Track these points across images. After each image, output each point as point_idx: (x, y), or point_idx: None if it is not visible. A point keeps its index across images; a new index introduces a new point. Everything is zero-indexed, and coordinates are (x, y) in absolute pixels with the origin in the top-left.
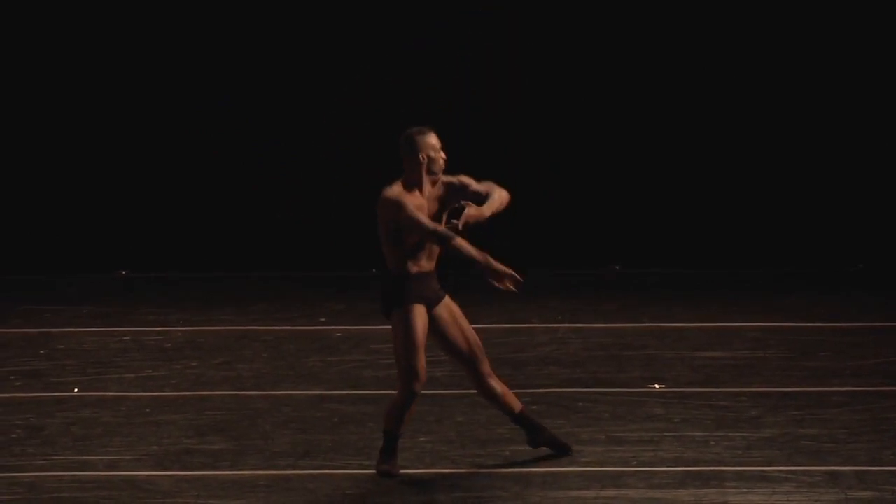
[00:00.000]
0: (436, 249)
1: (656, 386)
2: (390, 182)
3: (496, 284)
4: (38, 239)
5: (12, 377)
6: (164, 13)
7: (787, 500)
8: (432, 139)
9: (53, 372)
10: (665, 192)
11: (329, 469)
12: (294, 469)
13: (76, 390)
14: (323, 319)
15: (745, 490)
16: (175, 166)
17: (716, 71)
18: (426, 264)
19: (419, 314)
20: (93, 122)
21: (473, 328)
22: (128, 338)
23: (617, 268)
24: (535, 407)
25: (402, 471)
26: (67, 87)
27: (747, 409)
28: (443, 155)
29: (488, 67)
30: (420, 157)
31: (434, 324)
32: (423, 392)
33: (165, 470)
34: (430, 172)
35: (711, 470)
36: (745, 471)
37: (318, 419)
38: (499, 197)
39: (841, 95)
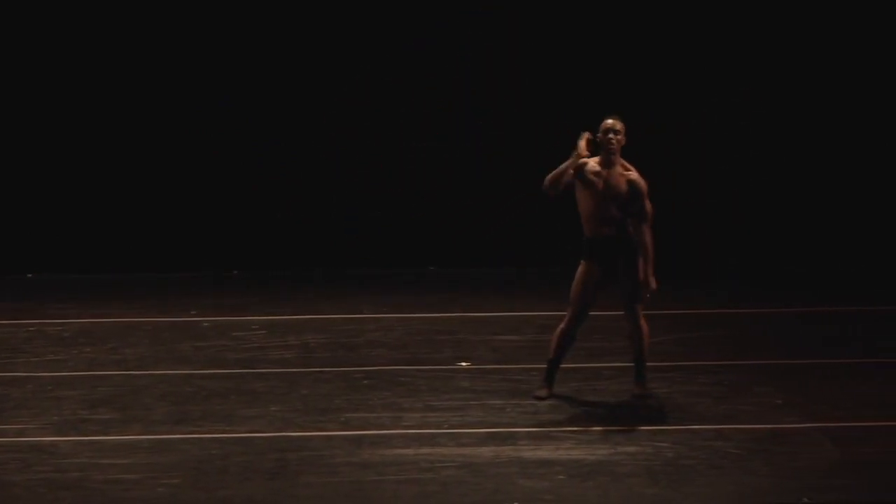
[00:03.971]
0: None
1: (463, 363)
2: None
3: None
4: None
5: None
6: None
7: (569, 454)
8: (606, 122)
9: None
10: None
11: (198, 434)
12: (170, 434)
13: None
14: (194, 312)
15: (534, 447)
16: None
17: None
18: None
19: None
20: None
21: (317, 318)
22: (33, 328)
23: (432, 268)
24: (366, 381)
25: (257, 433)
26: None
27: (536, 382)
28: (611, 137)
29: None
30: (598, 136)
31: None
32: (275, 370)
33: (65, 436)
34: (604, 150)
35: (508, 431)
36: (534, 431)
37: (190, 393)
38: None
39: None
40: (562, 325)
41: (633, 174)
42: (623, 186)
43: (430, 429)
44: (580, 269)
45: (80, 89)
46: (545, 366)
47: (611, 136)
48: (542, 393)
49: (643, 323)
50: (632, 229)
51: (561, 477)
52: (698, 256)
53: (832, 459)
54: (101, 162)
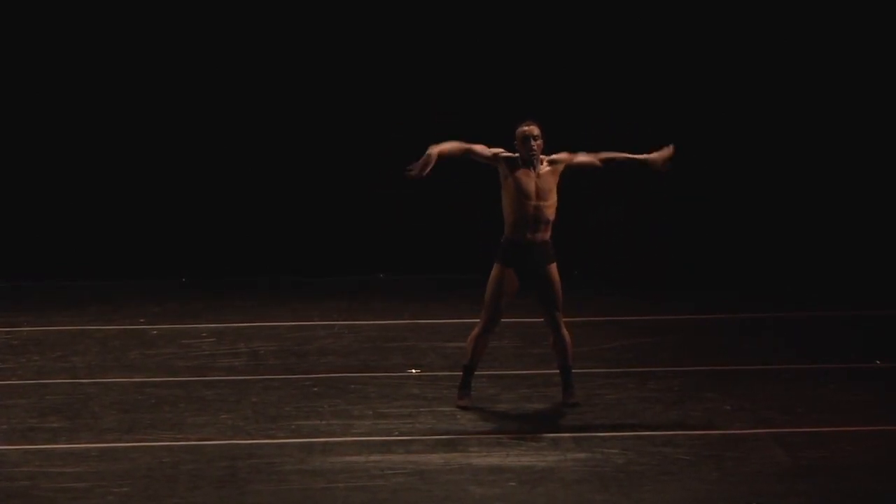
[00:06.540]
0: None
1: (413, 370)
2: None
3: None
4: None
5: None
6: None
7: (519, 461)
8: (524, 130)
9: None
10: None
11: (148, 442)
12: (119, 442)
13: None
14: (142, 320)
15: (484, 454)
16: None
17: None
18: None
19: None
20: None
21: (266, 325)
22: None
23: (382, 275)
24: (316, 389)
25: (207, 441)
26: None
27: (487, 388)
28: (532, 144)
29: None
30: (515, 144)
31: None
32: (225, 378)
33: (14, 444)
34: (524, 156)
35: (458, 437)
36: (484, 437)
37: (139, 401)
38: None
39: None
40: (475, 331)
41: (553, 157)
42: (552, 178)
43: (381, 436)
44: (493, 272)
45: (26, 97)
46: (461, 372)
47: (531, 143)
48: (465, 402)
49: (565, 332)
50: (613, 162)
51: (511, 483)
52: (666, 264)
53: (782, 464)
54: (47, 170)
